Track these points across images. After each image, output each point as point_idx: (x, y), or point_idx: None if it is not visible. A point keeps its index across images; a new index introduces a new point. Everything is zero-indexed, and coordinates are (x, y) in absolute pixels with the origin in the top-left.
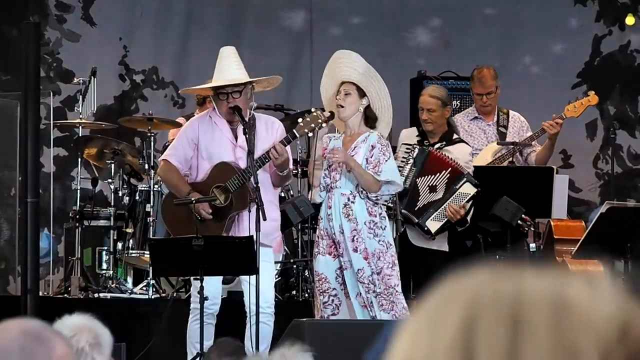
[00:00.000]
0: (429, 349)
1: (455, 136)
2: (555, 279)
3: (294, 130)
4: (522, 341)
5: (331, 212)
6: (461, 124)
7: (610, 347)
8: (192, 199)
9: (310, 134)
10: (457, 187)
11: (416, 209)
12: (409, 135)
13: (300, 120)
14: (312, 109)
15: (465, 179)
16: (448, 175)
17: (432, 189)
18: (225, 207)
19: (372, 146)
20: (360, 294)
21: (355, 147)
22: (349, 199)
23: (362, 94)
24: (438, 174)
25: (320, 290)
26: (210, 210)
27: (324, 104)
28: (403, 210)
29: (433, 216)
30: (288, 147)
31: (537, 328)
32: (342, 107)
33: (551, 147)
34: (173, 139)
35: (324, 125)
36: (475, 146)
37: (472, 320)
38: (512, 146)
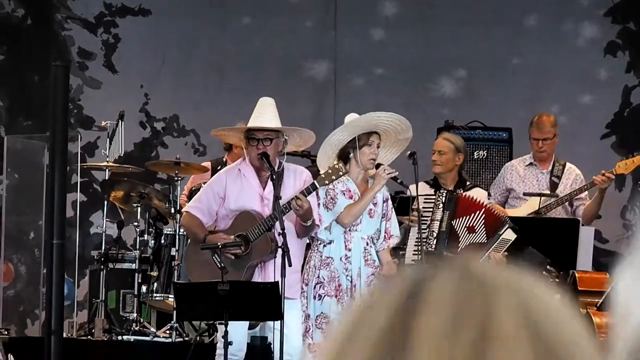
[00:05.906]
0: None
1: (468, 183)
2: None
3: (315, 182)
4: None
5: (350, 254)
6: (516, 169)
7: None
8: (219, 243)
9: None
10: (501, 232)
11: (459, 250)
12: (423, 188)
13: (322, 172)
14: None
15: (507, 225)
16: (483, 216)
17: (471, 229)
18: (244, 256)
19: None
20: None
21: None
22: (367, 243)
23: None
24: (473, 214)
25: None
26: (239, 251)
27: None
28: (445, 253)
29: None
30: (313, 198)
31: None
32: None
33: (601, 200)
34: (194, 187)
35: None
36: (525, 190)
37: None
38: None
